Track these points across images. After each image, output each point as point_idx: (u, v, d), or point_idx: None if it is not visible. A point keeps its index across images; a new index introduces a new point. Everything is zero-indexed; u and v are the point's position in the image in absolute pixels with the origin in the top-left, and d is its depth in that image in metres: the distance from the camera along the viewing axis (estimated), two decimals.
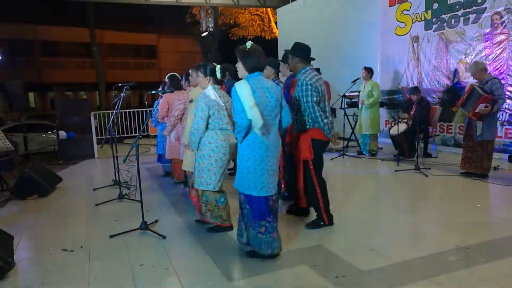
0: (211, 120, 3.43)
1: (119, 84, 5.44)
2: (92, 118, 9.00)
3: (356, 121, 7.67)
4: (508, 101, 6.21)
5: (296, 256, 3.13)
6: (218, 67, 3.54)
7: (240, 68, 2.96)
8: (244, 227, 3.11)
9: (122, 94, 5.28)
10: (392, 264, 2.91)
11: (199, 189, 3.61)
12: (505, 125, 6.35)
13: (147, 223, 3.81)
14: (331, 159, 7.15)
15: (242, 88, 2.82)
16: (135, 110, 11.93)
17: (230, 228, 3.70)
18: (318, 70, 8.11)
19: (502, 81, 5.93)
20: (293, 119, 3.62)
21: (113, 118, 5.31)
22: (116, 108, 5.36)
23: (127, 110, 11.81)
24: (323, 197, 3.67)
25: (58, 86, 24.05)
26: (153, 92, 5.63)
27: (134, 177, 6.11)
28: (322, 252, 3.20)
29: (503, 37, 6.39)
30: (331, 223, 3.73)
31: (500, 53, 6.43)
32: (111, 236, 3.69)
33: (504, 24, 6.36)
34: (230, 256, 3.20)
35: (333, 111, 7.92)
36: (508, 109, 6.29)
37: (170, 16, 24.18)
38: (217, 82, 3.61)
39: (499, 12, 6.42)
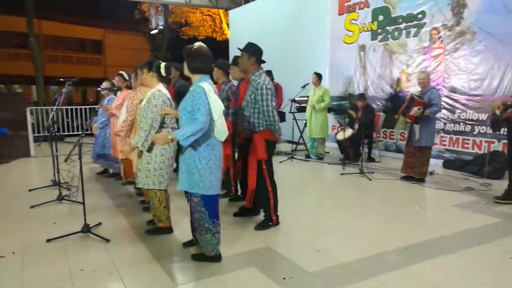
0: (166, 119, 3.42)
1: (61, 79, 5.14)
2: (28, 113, 8.38)
3: (305, 125, 7.85)
4: (443, 111, 6.65)
5: (244, 258, 3.13)
6: (163, 64, 3.51)
7: (185, 67, 2.95)
8: (195, 232, 3.08)
9: (64, 90, 5.00)
10: (337, 264, 2.99)
11: (149, 190, 3.51)
12: (440, 133, 6.79)
13: (90, 226, 3.63)
14: (280, 162, 7.24)
15: (209, 89, 2.82)
16: (78, 107, 11.37)
17: (170, 229, 3.66)
18: (270, 72, 8.26)
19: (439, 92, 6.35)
20: (244, 120, 3.64)
21: (53, 115, 5.00)
22: (56, 104, 5.06)
23: (69, 107, 11.23)
24: (274, 198, 3.75)
25: None
26: (99, 89, 5.44)
27: (75, 178, 5.85)
28: (270, 254, 3.22)
29: (440, 51, 6.84)
30: (277, 223, 3.82)
31: (437, 66, 6.87)
32: (48, 240, 3.46)
33: (441, 39, 6.81)
34: (177, 259, 3.13)
35: (282, 115, 8.05)
36: (443, 118, 6.74)
37: (118, 11, 23.37)
38: (162, 79, 3.57)
39: (437, 27, 6.87)
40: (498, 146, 5.96)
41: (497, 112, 4.32)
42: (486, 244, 3.36)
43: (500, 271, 2.88)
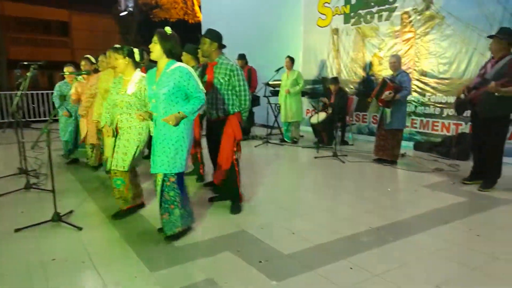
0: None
1: (25, 63, 4.91)
2: None
3: (279, 110, 7.86)
4: (414, 94, 6.79)
5: (219, 243, 3.13)
6: (136, 50, 3.51)
7: (157, 49, 2.95)
8: (164, 214, 3.10)
9: (28, 74, 4.78)
10: (313, 246, 3.04)
11: (121, 172, 3.54)
12: (411, 116, 6.95)
13: (60, 214, 3.53)
14: (255, 146, 7.24)
15: (190, 68, 2.98)
16: (44, 92, 10.94)
17: (141, 205, 3.87)
18: (244, 56, 8.17)
19: (410, 75, 6.47)
20: (218, 103, 3.66)
21: (18, 100, 4.79)
22: (21, 89, 4.84)
23: (35, 92, 10.80)
24: (240, 175, 3.89)
25: None
26: (67, 73, 5.27)
27: (44, 165, 5.66)
28: (245, 238, 3.24)
29: (410, 35, 6.94)
30: (242, 200, 3.97)
31: (408, 49, 6.98)
32: (17, 230, 3.35)
33: (412, 23, 6.90)
34: (152, 245, 3.10)
35: (257, 99, 8.02)
36: (414, 101, 6.89)
37: None
38: (137, 65, 3.63)
39: (408, 11, 6.95)
40: (466, 128, 6.16)
41: (462, 96, 4.44)
42: (453, 223, 3.49)
43: (466, 247, 3.01)
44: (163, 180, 3.02)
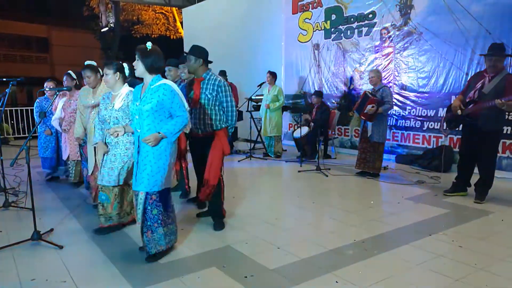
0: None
1: (4, 79, 4.83)
2: None
3: (262, 124, 7.89)
4: (395, 107, 6.93)
5: (204, 259, 3.09)
6: (125, 64, 3.53)
7: (140, 67, 2.93)
8: (147, 232, 3.02)
9: (7, 90, 4.70)
10: (297, 261, 3.03)
11: (107, 187, 3.50)
12: (392, 129, 7.07)
13: (40, 233, 3.43)
14: (238, 160, 7.23)
15: (176, 87, 2.95)
16: (23, 108, 10.75)
17: (120, 226, 3.74)
18: (224, 72, 8.22)
19: (391, 89, 6.61)
20: (205, 119, 3.67)
21: None
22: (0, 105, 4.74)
23: (14, 108, 10.59)
24: (224, 191, 3.89)
25: None
26: (47, 89, 5.21)
27: (23, 183, 5.51)
28: (231, 253, 3.21)
29: (390, 50, 7.12)
30: (224, 215, 3.94)
31: (388, 64, 7.14)
32: None
33: (391, 38, 7.08)
34: (135, 262, 3.04)
35: (240, 114, 8.03)
36: (395, 114, 7.02)
37: (65, 7, 22.28)
38: (125, 80, 3.63)
39: (387, 27, 7.14)
40: (445, 140, 6.29)
41: (459, 112, 4.49)
42: (436, 234, 3.53)
43: (449, 259, 3.04)
44: (146, 198, 2.97)
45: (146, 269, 2.93)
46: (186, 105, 3.00)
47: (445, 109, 5.29)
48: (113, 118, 3.47)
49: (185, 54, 3.84)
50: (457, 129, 5.02)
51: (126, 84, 3.61)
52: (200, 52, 3.72)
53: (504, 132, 5.45)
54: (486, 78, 4.38)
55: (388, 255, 3.11)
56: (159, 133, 2.88)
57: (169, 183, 3.06)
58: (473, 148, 4.52)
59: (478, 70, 5.46)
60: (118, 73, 3.50)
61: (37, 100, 5.82)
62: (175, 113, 2.93)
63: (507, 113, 5.32)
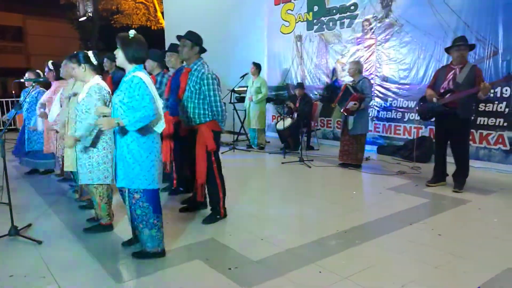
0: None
1: None
2: None
3: (245, 116, 7.86)
4: (376, 99, 6.99)
5: (188, 252, 3.07)
6: (89, 52, 3.33)
7: (120, 56, 2.77)
8: (135, 229, 2.96)
9: None
10: (281, 252, 3.04)
11: (89, 186, 3.38)
12: (374, 121, 7.14)
13: (18, 228, 3.35)
14: (222, 152, 7.19)
15: (148, 79, 2.72)
16: None
17: (111, 226, 3.53)
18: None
19: (372, 81, 6.66)
20: (188, 112, 3.55)
21: None
22: None
23: None
24: (222, 191, 3.71)
25: None
26: (22, 80, 5.04)
27: None
28: (215, 245, 3.20)
29: (372, 41, 7.16)
30: (225, 215, 3.78)
31: (370, 55, 7.19)
32: None
33: (373, 30, 7.12)
34: (117, 256, 3.00)
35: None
36: (376, 106, 7.09)
37: None
38: (95, 69, 3.38)
39: (368, 19, 7.17)
40: (425, 131, 6.39)
41: (434, 100, 4.56)
42: (417, 223, 3.59)
43: (429, 247, 3.10)
44: (128, 196, 2.86)
45: (129, 263, 2.90)
46: (155, 99, 2.72)
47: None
48: (79, 110, 3.28)
49: (178, 39, 3.60)
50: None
51: (97, 75, 3.38)
52: (197, 38, 3.54)
53: (481, 123, 5.59)
54: (456, 69, 4.50)
55: (370, 245, 3.15)
56: (117, 118, 2.66)
57: (155, 184, 2.82)
58: (447, 137, 4.64)
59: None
60: (83, 64, 3.30)
61: (31, 92, 5.49)
62: (137, 106, 2.64)
63: (481, 104, 5.59)
